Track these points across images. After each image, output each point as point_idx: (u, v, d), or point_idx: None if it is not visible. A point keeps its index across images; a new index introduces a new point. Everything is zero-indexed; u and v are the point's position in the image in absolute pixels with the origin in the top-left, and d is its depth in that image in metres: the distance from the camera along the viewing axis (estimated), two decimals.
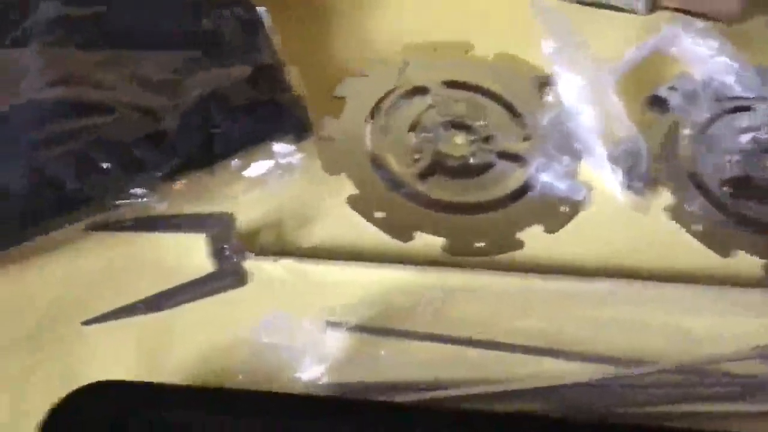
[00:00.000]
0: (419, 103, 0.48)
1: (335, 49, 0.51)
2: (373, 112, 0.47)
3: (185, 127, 0.41)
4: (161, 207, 0.40)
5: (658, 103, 0.49)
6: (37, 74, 0.41)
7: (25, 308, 0.37)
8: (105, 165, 0.39)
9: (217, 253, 0.40)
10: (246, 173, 0.41)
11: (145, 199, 0.39)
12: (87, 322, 0.37)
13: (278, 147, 0.42)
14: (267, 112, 0.42)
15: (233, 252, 0.39)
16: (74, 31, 0.44)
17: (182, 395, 0.33)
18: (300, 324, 0.36)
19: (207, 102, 0.42)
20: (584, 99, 0.46)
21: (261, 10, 0.47)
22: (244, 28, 0.46)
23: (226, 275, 0.39)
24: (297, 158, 0.42)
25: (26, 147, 0.39)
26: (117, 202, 0.39)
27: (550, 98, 0.48)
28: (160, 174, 0.39)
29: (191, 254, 0.39)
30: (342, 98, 0.48)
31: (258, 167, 0.41)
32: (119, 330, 0.37)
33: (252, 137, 0.42)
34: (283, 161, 0.42)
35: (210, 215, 0.40)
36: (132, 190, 0.39)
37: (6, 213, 0.38)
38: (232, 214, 0.40)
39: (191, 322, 0.37)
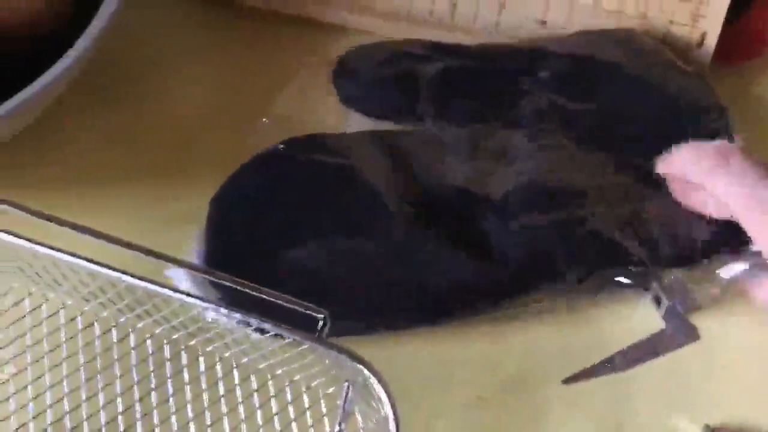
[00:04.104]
0: None
1: None
2: None
3: (667, 228, 0.43)
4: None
5: None
6: (528, 157, 0.46)
7: (501, 362, 0.42)
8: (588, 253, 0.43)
9: (668, 310, 0.43)
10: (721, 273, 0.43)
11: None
12: (567, 381, 0.41)
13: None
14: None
15: (683, 308, 0.42)
16: (563, 122, 0.48)
17: None
18: None
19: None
20: None
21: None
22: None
23: (677, 331, 0.42)
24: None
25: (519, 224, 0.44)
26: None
27: None
28: (644, 268, 0.42)
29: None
30: None
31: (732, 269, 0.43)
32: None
33: (729, 243, 0.43)
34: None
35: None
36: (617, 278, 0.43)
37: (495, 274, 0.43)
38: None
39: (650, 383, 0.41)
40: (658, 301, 0.43)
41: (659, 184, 0.45)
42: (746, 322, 0.43)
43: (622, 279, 0.42)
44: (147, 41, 0.58)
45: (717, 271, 0.42)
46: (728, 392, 0.41)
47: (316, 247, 0.43)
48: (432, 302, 0.42)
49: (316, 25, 0.59)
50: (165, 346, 0.40)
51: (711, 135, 0.47)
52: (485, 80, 0.51)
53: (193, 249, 0.43)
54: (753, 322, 0.43)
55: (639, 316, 0.43)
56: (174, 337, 0.40)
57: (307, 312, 0.37)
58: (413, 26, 0.58)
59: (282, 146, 0.46)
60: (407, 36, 0.57)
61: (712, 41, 0.53)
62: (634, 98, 0.49)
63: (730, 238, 0.43)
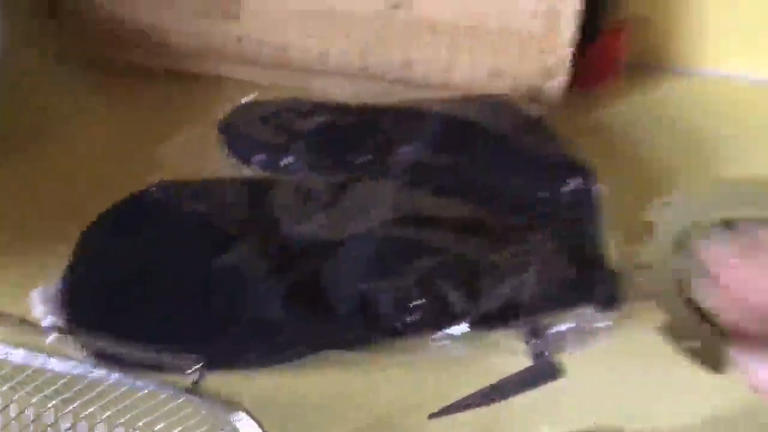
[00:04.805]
0: (728, 237, 0.50)
1: (644, 177, 0.55)
2: (683, 241, 0.49)
3: (497, 283, 0.45)
4: (461, 352, 0.44)
5: None
6: (388, 209, 0.48)
7: (369, 401, 0.44)
8: (419, 304, 0.44)
9: (534, 349, 0.44)
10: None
11: (444, 343, 0.44)
12: (433, 416, 0.42)
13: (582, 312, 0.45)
14: (579, 282, 0.46)
15: (548, 348, 0.44)
16: (429, 176, 0.51)
17: None
18: None
19: (523, 264, 0.46)
20: None
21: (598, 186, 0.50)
22: (578, 200, 0.50)
23: (542, 369, 0.44)
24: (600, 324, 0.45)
25: (358, 273, 0.45)
26: (419, 345, 0.44)
27: None
28: (468, 324, 0.44)
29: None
30: (653, 224, 0.51)
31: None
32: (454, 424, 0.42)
33: (559, 303, 0.45)
34: (584, 325, 0.44)
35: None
36: (441, 333, 0.44)
37: (331, 327, 0.44)
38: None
39: (518, 414, 0.42)
40: (526, 341, 0.45)
41: (508, 241, 0.47)
42: (604, 357, 0.45)
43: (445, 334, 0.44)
44: (35, 105, 0.58)
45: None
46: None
47: (170, 296, 0.45)
48: (268, 350, 0.44)
49: (200, 78, 0.61)
50: (45, 413, 0.40)
51: (576, 193, 0.50)
52: (360, 135, 0.54)
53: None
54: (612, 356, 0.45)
55: (508, 354, 0.44)
56: (53, 403, 0.40)
57: (180, 363, 0.38)
58: (288, 73, 0.61)
59: (147, 191, 0.49)
60: (284, 83, 0.60)
61: (562, 72, 0.57)
62: (501, 159, 0.52)
63: (560, 298, 0.45)
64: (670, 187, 0.53)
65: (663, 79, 0.62)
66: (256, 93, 0.58)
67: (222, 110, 0.57)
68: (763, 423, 0.42)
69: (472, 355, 0.44)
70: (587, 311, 0.44)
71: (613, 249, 0.48)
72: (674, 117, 0.59)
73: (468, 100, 0.56)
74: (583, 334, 0.44)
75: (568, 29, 0.55)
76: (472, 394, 0.43)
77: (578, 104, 0.58)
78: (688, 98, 0.61)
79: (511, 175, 0.51)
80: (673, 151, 0.56)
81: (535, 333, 0.44)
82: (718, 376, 0.43)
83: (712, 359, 0.44)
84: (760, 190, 0.53)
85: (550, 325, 0.44)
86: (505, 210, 0.49)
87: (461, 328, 0.43)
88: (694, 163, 0.55)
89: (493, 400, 0.43)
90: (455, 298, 0.44)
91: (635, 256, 0.49)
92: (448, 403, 0.42)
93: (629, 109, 0.59)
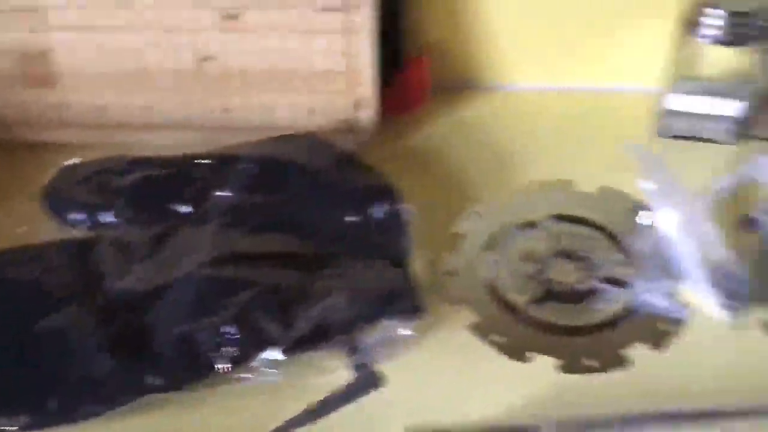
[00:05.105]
0: (530, 235, 0.55)
1: (453, 193, 0.59)
2: (489, 246, 0.54)
3: (309, 308, 0.47)
4: (281, 377, 0.46)
5: (752, 224, 0.54)
6: (206, 253, 0.50)
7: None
8: (238, 337, 0.45)
9: (356, 363, 0.46)
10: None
11: (267, 370, 0.46)
12: None
13: (388, 323, 0.47)
14: (385, 298, 0.48)
15: (369, 360, 0.46)
16: (246, 216, 0.53)
17: None
18: None
19: (334, 287, 0.48)
20: (681, 228, 0.51)
21: (405, 207, 0.53)
22: (387, 223, 0.53)
23: (364, 381, 0.46)
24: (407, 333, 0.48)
25: (178, 316, 0.46)
26: (242, 375, 0.46)
27: (648, 226, 0.54)
28: (282, 349, 0.45)
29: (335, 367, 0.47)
30: (461, 234, 0.55)
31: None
32: None
33: (367, 319, 0.47)
34: (393, 335, 0.47)
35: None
36: (257, 363, 0.45)
37: (154, 371, 0.45)
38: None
39: (343, 427, 0.44)
40: (347, 356, 0.47)
41: (322, 267, 0.50)
42: (420, 360, 0.47)
43: (261, 362, 0.46)
44: None
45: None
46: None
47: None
48: (94, 403, 0.44)
49: (24, 146, 0.62)
50: None
51: (385, 216, 0.53)
52: (176, 185, 0.55)
53: None
54: (426, 359, 0.48)
55: (328, 373, 0.46)
56: None
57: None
58: (111, 131, 0.62)
59: None
60: (108, 141, 0.62)
61: (370, 103, 0.60)
62: (315, 193, 0.54)
63: (368, 314, 0.47)
64: (476, 199, 0.57)
65: (466, 97, 0.67)
66: (80, 155, 0.59)
67: (47, 175, 0.58)
68: (567, 401, 0.45)
69: (294, 377, 0.46)
70: (394, 323, 0.47)
71: (421, 262, 0.51)
72: (478, 132, 0.64)
73: (282, 139, 0.59)
74: (392, 344, 0.47)
75: (366, 64, 0.59)
76: (300, 413, 0.45)
77: (390, 131, 0.62)
78: (489, 113, 0.66)
79: (325, 207, 0.54)
80: (477, 164, 0.60)
81: (353, 348, 0.47)
82: (524, 364, 0.47)
83: (518, 350, 0.48)
84: (553, 192, 0.58)
85: (363, 340, 0.46)
86: (321, 240, 0.52)
87: (276, 354, 0.45)
88: (497, 174, 0.60)
89: (319, 417, 0.45)
90: (270, 326, 0.46)
91: (445, 265, 0.52)
92: (276, 426, 0.44)
93: (436, 130, 0.64)
